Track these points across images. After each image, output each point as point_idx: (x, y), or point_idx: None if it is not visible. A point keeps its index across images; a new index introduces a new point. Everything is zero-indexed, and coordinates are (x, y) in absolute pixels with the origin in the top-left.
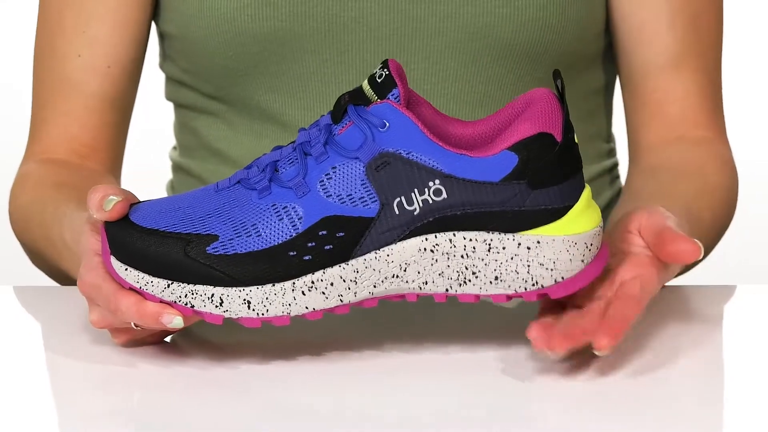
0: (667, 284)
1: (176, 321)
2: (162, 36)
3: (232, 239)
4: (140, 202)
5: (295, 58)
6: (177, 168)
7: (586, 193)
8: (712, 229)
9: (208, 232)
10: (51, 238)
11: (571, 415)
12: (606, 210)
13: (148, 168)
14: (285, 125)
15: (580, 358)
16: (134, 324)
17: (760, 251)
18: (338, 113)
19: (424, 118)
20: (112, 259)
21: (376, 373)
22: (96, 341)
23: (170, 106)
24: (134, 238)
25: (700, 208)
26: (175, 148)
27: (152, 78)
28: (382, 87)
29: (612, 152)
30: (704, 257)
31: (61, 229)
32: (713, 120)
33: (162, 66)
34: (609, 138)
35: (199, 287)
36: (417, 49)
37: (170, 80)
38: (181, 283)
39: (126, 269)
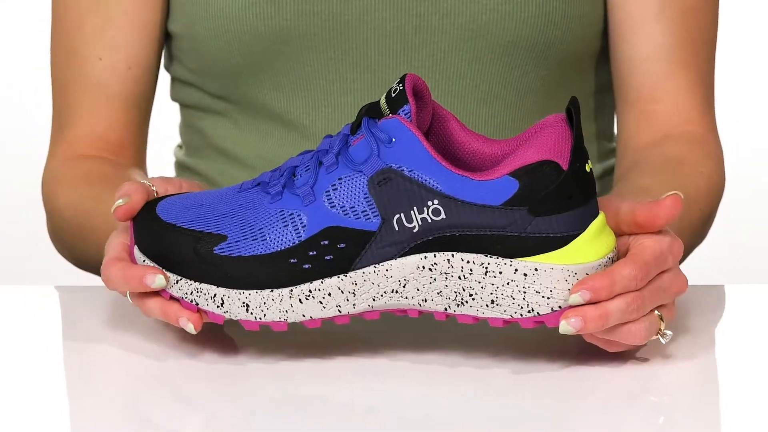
0: None
1: (158, 281)
2: (168, 36)
3: (238, 241)
4: (173, 195)
5: (299, 56)
6: (182, 167)
7: (598, 221)
8: (688, 212)
9: (219, 232)
10: (98, 230)
11: (564, 413)
12: None
13: (151, 167)
14: (290, 124)
15: (576, 358)
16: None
17: (748, 251)
18: (356, 124)
19: (449, 133)
20: (135, 250)
21: (382, 369)
22: (130, 338)
23: (174, 105)
24: (153, 231)
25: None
26: (180, 147)
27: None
28: (395, 102)
29: (615, 151)
30: (689, 245)
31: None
32: (703, 117)
33: (168, 67)
34: (612, 137)
35: (204, 286)
36: (421, 47)
37: (176, 81)
38: (188, 280)
39: (144, 260)
